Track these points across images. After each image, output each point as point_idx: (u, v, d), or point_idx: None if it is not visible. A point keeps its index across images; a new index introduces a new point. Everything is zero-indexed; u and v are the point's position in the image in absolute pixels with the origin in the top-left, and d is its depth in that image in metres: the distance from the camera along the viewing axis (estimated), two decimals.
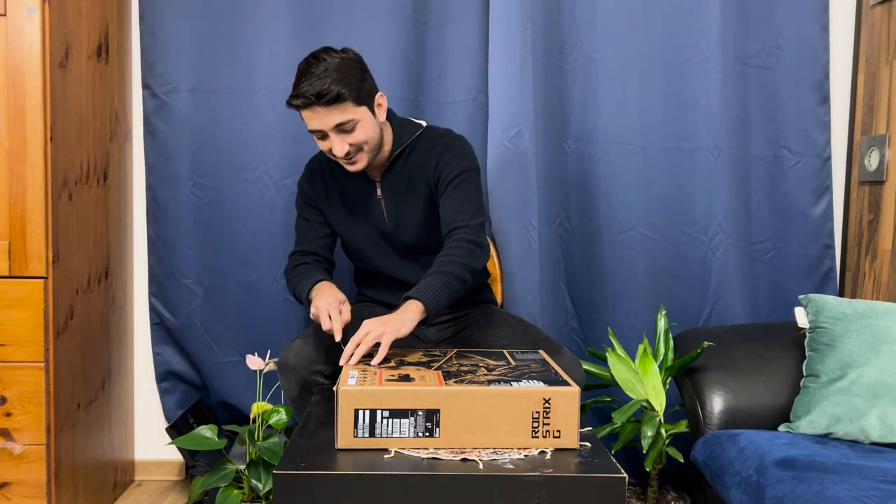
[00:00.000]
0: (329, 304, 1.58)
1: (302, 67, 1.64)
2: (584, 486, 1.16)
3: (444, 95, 2.26)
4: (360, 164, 1.70)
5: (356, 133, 1.65)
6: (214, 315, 2.28)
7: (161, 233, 2.27)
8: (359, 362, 1.43)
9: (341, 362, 1.42)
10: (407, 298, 1.53)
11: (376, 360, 1.41)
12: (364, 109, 1.66)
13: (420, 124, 1.82)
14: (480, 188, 1.76)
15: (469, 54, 2.23)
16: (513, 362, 1.45)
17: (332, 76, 1.59)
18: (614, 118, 2.24)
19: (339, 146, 1.65)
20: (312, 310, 1.61)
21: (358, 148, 1.67)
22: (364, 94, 1.65)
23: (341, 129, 1.63)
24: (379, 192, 1.79)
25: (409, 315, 1.49)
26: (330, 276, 1.85)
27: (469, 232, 1.65)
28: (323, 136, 1.66)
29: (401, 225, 1.80)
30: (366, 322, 1.47)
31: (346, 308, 1.63)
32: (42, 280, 1.78)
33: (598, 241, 2.28)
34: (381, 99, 1.72)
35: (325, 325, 1.56)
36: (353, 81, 1.62)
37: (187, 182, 2.24)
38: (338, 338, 1.54)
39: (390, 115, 1.81)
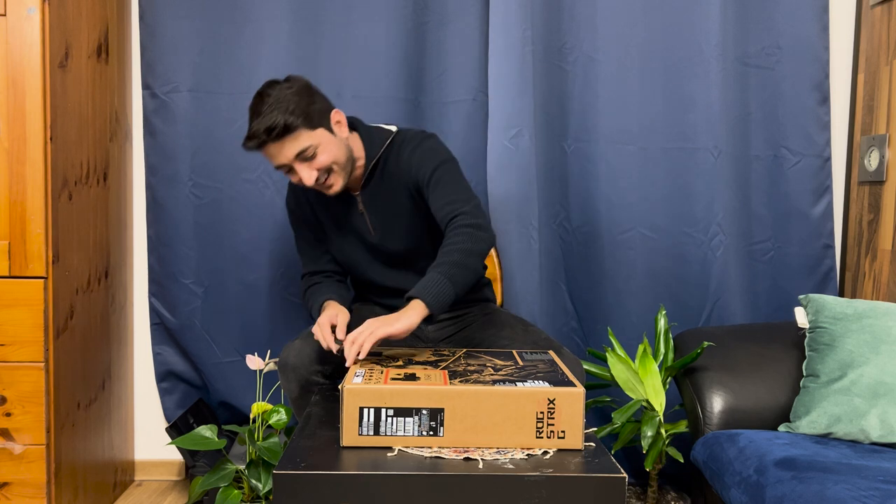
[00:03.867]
0: (320, 323, 1.58)
1: (250, 108, 1.63)
2: (585, 486, 1.16)
3: (444, 95, 2.26)
4: (337, 185, 1.68)
5: (319, 157, 1.63)
6: (214, 315, 2.28)
7: (161, 233, 2.27)
8: (365, 361, 1.44)
9: (348, 364, 1.42)
10: (410, 298, 1.51)
11: (363, 354, 1.40)
12: (321, 132, 1.63)
13: (390, 130, 1.78)
14: (462, 175, 1.72)
15: (469, 54, 2.23)
16: (521, 363, 1.45)
17: (278, 109, 1.58)
18: (614, 118, 2.24)
19: (307, 175, 1.63)
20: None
21: (327, 171, 1.65)
22: (316, 116, 1.63)
23: (303, 157, 1.61)
24: (360, 205, 1.77)
25: (409, 313, 1.47)
26: (343, 286, 1.86)
27: (465, 217, 1.60)
28: (289, 169, 1.65)
29: (387, 236, 1.78)
30: (367, 321, 1.47)
31: (342, 318, 1.62)
32: (42, 280, 1.78)
33: (598, 241, 2.28)
34: (336, 116, 1.69)
35: (323, 344, 1.57)
36: (301, 108, 1.60)
37: (187, 182, 2.24)
38: (333, 349, 1.55)
39: (357, 126, 1.77)
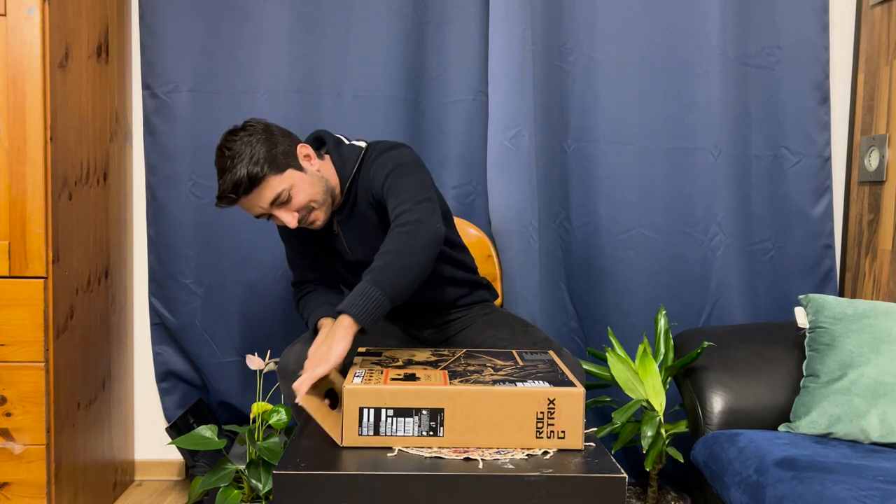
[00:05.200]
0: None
1: (215, 164, 1.60)
2: (585, 486, 1.16)
3: (444, 95, 2.26)
4: (319, 220, 1.65)
5: (295, 199, 1.59)
6: (214, 315, 2.28)
7: (161, 233, 2.27)
8: (364, 362, 1.43)
9: (298, 400, 1.32)
10: (340, 312, 1.40)
11: (300, 398, 1.30)
12: (290, 173, 1.59)
13: (360, 147, 1.72)
14: (415, 175, 1.61)
15: (469, 54, 2.24)
16: (521, 363, 1.45)
17: (241, 162, 1.54)
18: (614, 118, 2.24)
19: (288, 218, 1.60)
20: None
21: (307, 209, 1.62)
22: (281, 159, 1.58)
23: (278, 203, 1.58)
24: (335, 226, 1.74)
25: (339, 334, 1.36)
26: (335, 293, 1.84)
27: (402, 217, 1.51)
28: (270, 216, 1.62)
29: (364, 256, 1.73)
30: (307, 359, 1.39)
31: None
32: (42, 280, 1.78)
33: (598, 241, 2.28)
34: (304, 150, 1.64)
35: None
36: (263, 155, 1.55)
37: (187, 182, 2.24)
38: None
39: (329, 149, 1.72)
